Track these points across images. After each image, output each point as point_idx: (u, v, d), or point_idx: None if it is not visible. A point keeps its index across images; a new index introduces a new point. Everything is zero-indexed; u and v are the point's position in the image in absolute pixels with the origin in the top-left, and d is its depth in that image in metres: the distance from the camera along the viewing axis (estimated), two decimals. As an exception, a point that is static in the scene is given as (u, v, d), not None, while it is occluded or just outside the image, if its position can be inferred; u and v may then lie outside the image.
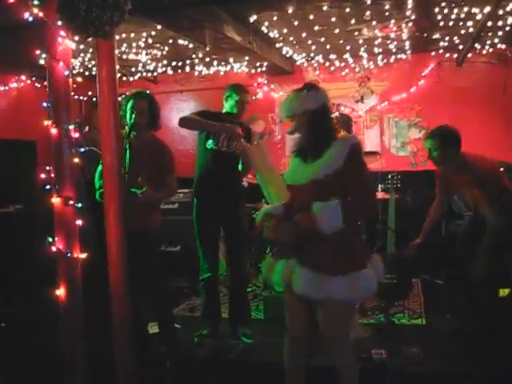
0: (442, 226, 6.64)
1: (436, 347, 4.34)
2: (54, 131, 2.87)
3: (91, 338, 3.23)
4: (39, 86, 7.45)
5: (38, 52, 3.03)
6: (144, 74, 7.72)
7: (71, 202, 2.90)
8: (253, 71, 7.38)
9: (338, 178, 2.83)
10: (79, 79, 3.15)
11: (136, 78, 7.79)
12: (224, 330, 4.83)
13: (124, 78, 7.67)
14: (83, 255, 2.99)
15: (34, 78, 7.43)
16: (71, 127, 2.90)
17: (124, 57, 6.48)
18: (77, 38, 2.90)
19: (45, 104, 2.92)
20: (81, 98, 7.80)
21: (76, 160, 2.97)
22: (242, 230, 4.78)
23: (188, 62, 6.96)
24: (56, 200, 2.90)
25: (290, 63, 7.45)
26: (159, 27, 5.23)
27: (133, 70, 7.40)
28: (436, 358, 4.14)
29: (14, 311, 4.90)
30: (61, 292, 2.93)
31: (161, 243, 4.70)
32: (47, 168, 2.93)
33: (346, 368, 3.00)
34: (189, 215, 4.89)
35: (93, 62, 6.58)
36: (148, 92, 4.23)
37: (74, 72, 6.61)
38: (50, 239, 2.93)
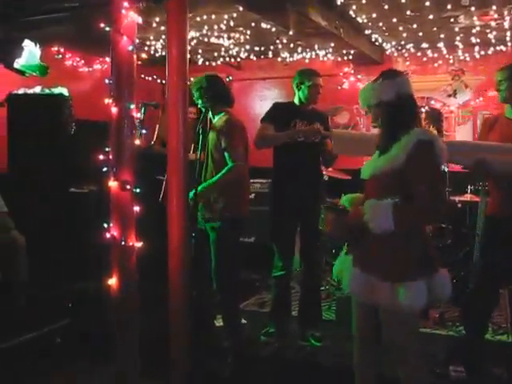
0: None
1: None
2: (114, 110, 2.69)
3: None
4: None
5: (102, 25, 2.84)
6: (227, 59, 7.54)
7: (128, 187, 2.71)
8: (339, 59, 7.03)
9: (398, 176, 2.58)
10: (144, 56, 2.92)
11: (219, 62, 7.62)
12: (292, 330, 4.59)
13: (207, 63, 7.54)
14: (139, 244, 2.81)
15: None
16: (132, 106, 2.71)
17: (206, 40, 6.32)
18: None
19: (107, 80, 2.75)
20: (163, 81, 7.73)
21: (137, 142, 2.78)
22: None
23: (271, 47, 6.71)
24: (113, 184, 2.72)
25: (379, 52, 7.04)
26: (241, 9, 5.01)
27: (215, 54, 7.23)
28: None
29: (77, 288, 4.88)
30: (112, 282, 2.75)
31: (238, 234, 4.36)
32: (106, 149, 2.75)
33: (411, 382, 2.70)
34: (265, 206, 4.69)
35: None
36: (193, 80, 4.07)
37: (157, 55, 6.65)
38: (106, 225, 2.76)
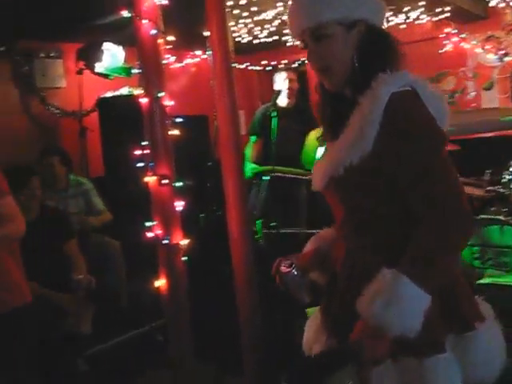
0: None
1: None
2: (143, 101, 2.51)
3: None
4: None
5: (122, 12, 2.64)
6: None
7: (166, 181, 2.52)
8: (434, 19, 6.41)
9: (372, 170, 1.54)
10: (170, 38, 2.70)
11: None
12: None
13: (297, 43, 7.21)
14: (185, 242, 2.61)
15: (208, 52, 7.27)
16: (161, 95, 2.51)
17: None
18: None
19: (134, 70, 2.57)
20: (256, 68, 7.57)
21: (174, 132, 2.59)
22: None
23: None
24: (150, 179, 2.55)
25: (482, 6, 6.32)
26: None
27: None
28: None
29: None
30: (161, 283, 2.59)
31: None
32: (143, 143, 2.58)
33: None
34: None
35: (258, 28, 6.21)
36: None
37: (244, 41, 6.45)
38: (148, 223, 2.59)
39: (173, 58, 6.15)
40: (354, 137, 1.52)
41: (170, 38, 2.57)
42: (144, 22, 2.45)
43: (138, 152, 2.59)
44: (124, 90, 5.83)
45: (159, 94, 2.50)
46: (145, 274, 3.82)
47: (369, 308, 1.43)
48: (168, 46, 2.61)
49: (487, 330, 1.60)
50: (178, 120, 2.61)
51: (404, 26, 6.53)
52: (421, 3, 5.63)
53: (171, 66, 6.98)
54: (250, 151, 5.09)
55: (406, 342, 1.44)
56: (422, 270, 1.42)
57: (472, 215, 1.51)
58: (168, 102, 2.54)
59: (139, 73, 2.56)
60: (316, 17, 1.54)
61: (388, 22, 6.33)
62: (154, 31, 2.50)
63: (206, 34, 3.10)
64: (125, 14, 2.52)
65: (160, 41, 2.51)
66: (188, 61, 7.27)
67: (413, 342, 1.44)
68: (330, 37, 1.56)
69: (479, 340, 1.56)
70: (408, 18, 6.16)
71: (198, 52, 7.19)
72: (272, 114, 4.35)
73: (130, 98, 5.58)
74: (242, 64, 7.46)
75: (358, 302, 1.47)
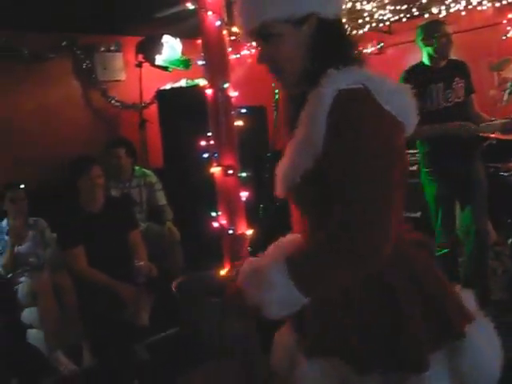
0: None
1: None
2: (208, 92, 2.54)
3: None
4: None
5: (187, 4, 2.68)
6: (373, 24, 7.05)
7: (231, 172, 2.54)
8: (496, 5, 6.23)
9: (321, 177, 1.42)
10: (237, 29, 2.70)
11: (365, 30, 7.17)
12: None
13: (353, 32, 7.12)
14: (250, 231, 2.63)
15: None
16: (227, 85, 2.53)
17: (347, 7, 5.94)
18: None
19: (199, 62, 2.60)
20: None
21: (238, 123, 2.60)
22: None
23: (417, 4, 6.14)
24: (216, 170, 2.57)
25: (549, -11, 6.12)
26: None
27: (360, 21, 6.78)
28: None
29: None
30: (224, 272, 2.61)
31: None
32: (208, 134, 2.61)
33: None
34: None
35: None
36: None
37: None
38: (214, 213, 2.62)
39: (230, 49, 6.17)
40: (302, 140, 1.43)
41: (234, 29, 2.57)
42: (209, 13, 2.46)
43: (202, 143, 2.61)
44: (182, 82, 5.87)
45: (224, 85, 2.52)
46: (203, 264, 3.86)
47: (242, 275, 1.47)
48: (232, 37, 2.62)
49: (476, 331, 1.50)
50: (243, 111, 2.62)
51: (465, 12, 6.37)
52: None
53: (229, 57, 7.03)
54: None
55: (393, 357, 1.42)
56: (304, 269, 1.37)
57: (389, 234, 1.33)
58: (233, 93, 2.55)
59: (203, 64, 2.58)
60: (259, 17, 1.44)
61: (449, 8, 6.21)
62: (218, 22, 2.51)
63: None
64: (189, 6, 2.55)
65: (224, 32, 2.52)
66: (246, 52, 7.28)
67: (399, 357, 1.42)
68: (278, 36, 1.44)
69: (470, 346, 1.46)
70: (469, 4, 6.02)
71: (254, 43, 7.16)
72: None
73: (189, 89, 5.69)
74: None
75: (244, 264, 1.50)
